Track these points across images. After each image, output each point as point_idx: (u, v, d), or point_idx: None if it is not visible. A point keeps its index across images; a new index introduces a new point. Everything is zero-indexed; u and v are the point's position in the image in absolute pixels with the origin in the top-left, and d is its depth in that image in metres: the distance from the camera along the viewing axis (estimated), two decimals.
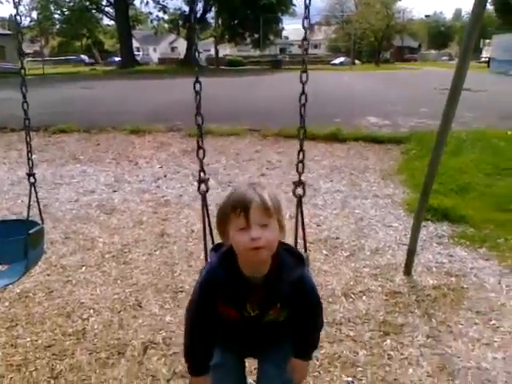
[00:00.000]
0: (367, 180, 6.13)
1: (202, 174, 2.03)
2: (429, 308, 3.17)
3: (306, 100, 1.95)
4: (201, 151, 2.03)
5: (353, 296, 3.32)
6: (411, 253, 3.62)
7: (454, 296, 3.31)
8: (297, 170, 1.96)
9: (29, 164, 2.43)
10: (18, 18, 2.43)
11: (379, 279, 3.54)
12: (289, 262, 1.62)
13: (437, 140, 3.25)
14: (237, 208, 1.50)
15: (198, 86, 1.98)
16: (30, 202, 2.38)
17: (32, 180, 2.42)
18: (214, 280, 1.61)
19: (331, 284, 3.47)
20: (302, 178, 1.95)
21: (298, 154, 1.95)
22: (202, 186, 2.01)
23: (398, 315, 3.08)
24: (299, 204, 1.93)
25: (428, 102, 12.25)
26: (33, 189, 2.44)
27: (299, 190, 1.94)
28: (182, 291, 3.39)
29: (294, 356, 1.75)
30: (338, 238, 4.29)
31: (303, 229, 1.93)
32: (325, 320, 1.97)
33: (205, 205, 1.97)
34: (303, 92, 1.93)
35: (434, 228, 4.50)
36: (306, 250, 1.93)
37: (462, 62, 2.99)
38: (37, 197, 2.46)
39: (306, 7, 1.91)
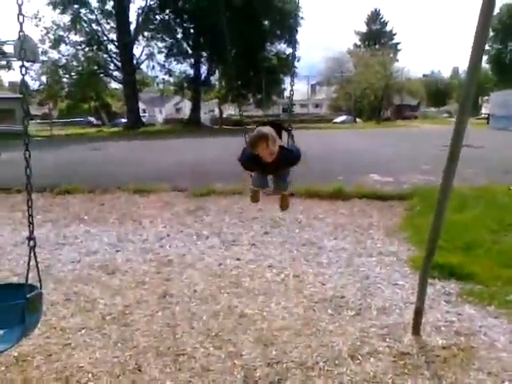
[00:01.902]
0: (371, 237, 6.08)
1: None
2: (439, 369, 3.06)
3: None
4: None
5: (360, 358, 3.21)
6: (419, 312, 3.53)
7: (464, 356, 3.21)
8: None
9: (29, 228, 2.42)
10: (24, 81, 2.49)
11: (387, 340, 3.44)
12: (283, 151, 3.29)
13: (439, 197, 3.23)
14: (262, 138, 3.10)
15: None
16: (29, 265, 2.35)
17: (32, 244, 2.40)
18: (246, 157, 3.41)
19: (337, 345, 3.37)
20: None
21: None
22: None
23: (407, 377, 2.98)
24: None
25: (430, 159, 12.38)
26: (32, 253, 2.41)
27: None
28: (183, 354, 3.30)
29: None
30: (343, 297, 4.21)
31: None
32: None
33: None
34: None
35: (442, 286, 4.42)
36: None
37: (460, 118, 3.01)
38: (36, 261, 2.43)
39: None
